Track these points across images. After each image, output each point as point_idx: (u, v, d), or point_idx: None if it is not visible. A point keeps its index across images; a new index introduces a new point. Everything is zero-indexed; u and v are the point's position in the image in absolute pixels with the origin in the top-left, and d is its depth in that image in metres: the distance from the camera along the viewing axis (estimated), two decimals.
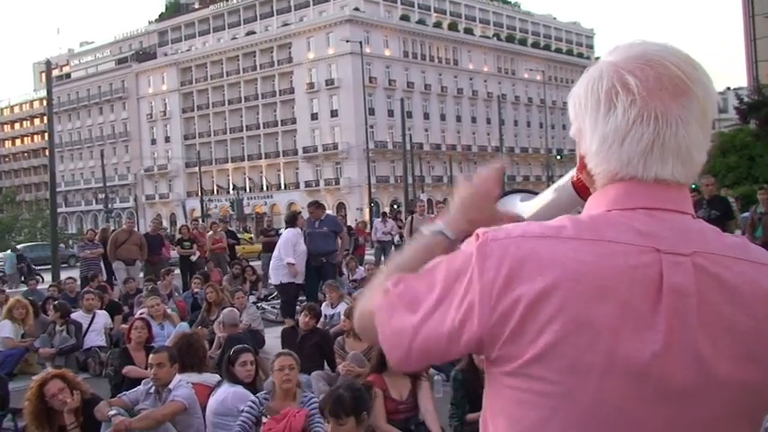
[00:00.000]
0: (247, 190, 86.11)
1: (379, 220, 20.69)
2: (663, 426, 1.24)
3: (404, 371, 1.45)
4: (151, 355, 6.26)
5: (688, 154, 1.30)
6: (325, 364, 8.35)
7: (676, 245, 1.26)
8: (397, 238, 18.91)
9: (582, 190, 1.55)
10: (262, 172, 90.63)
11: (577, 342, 1.21)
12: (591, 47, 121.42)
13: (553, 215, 1.58)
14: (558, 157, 77.68)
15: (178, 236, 19.92)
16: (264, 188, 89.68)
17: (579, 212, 1.60)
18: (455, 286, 1.29)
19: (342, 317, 9.26)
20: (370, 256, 21.96)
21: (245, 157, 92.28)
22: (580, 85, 1.38)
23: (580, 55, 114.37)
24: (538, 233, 1.29)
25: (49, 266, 22.09)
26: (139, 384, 6.46)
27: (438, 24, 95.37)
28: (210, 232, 19.96)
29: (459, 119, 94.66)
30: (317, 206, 13.21)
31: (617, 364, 1.21)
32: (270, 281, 14.03)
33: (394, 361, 1.38)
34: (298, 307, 11.46)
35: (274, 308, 14.20)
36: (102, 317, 11.15)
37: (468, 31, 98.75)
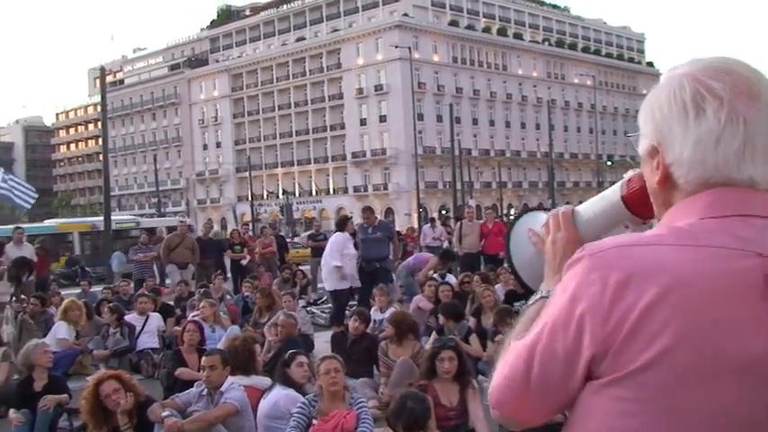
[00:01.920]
0: (297, 195, 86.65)
1: (428, 225, 20.62)
2: None
3: (529, 420, 1.41)
4: (204, 358, 6.32)
5: None
6: (375, 369, 8.36)
7: None
8: (446, 243, 18.83)
9: (634, 206, 1.54)
10: (311, 177, 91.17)
11: (691, 345, 1.22)
12: (642, 51, 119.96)
13: (596, 231, 1.58)
14: (609, 163, 76.73)
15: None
16: (314, 193, 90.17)
17: (627, 227, 1.58)
18: (562, 310, 1.31)
19: None
20: None
21: (295, 162, 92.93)
22: (657, 97, 1.39)
23: (631, 59, 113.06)
24: (638, 242, 1.30)
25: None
26: (192, 386, 6.52)
27: (487, 29, 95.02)
28: (260, 237, 20.13)
29: (508, 124, 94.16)
30: (370, 212, 13.23)
31: (730, 364, 1.22)
32: (321, 285, 14.07)
33: (510, 409, 1.40)
34: (347, 312, 11.47)
35: (324, 312, 14.26)
36: (155, 319, 11.28)
37: (518, 35, 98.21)
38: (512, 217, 19.04)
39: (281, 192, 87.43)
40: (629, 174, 1.59)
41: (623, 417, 1.25)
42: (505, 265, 12.72)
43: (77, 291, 16.47)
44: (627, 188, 1.55)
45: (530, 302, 1.56)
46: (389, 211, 78.96)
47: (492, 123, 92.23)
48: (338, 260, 12.04)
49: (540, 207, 1.84)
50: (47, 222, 38.21)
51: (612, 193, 1.59)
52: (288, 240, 28.02)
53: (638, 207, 1.54)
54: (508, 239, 1.74)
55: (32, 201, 23.39)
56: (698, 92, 1.32)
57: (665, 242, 1.29)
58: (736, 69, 1.34)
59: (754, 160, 1.31)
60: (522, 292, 9.31)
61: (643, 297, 1.23)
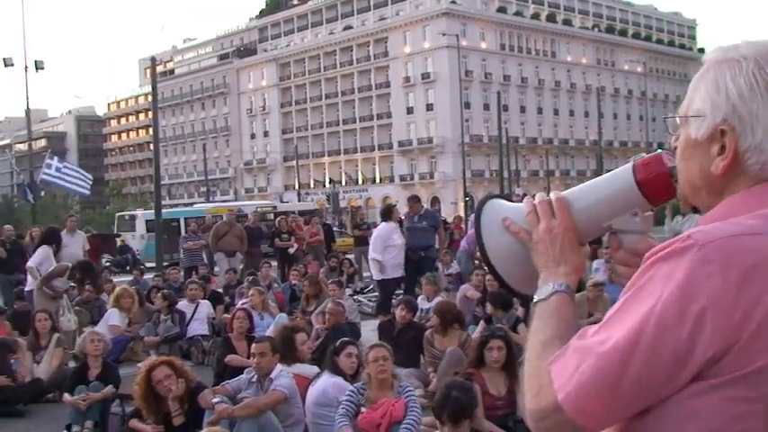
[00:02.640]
0: (343, 183, 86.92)
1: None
2: None
3: (597, 426, 1.30)
4: (254, 345, 6.39)
5: None
6: (421, 358, 8.37)
7: None
8: None
9: (653, 190, 1.45)
10: (357, 166, 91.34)
11: None
12: (693, 38, 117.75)
13: (600, 217, 1.49)
14: (659, 151, 75.44)
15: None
16: (360, 182, 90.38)
17: (635, 214, 1.49)
18: (671, 304, 1.18)
19: None
20: None
21: (342, 150, 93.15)
22: (732, 78, 1.30)
23: (682, 46, 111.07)
24: (747, 230, 1.21)
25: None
26: (241, 373, 6.60)
27: (536, 16, 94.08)
28: (308, 225, 20.24)
29: (556, 112, 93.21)
30: (416, 201, 13.20)
31: None
32: (368, 274, 14.09)
33: (587, 417, 1.25)
34: (393, 301, 11.47)
35: (370, 301, 14.30)
36: (205, 306, 11.43)
37: (567, 22, 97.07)
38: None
39: (327, 181, 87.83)
40: (637, 158, 1.50)
41: (740, 420, 1.16)
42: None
43: (129, 278, 16.74)
44: (644, 172, 1.45)
45: (540, 297, 1.46)
46: (435, 200, 78.79)
47: (540, 111, 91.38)
48: (379, 253, 11.95)
49: (494, 195, 1.71)
50: (196, 207, 46.05)
51: (622, 179, 1.48)
52: (335, 230, 28.10)
53: (658, 192, 1.45)
54: (479, 234, 1.57)
55: (89, 187, 23.91)
56: None
57: None
58: None
59: None
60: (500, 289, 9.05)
61: None
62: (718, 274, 1.16)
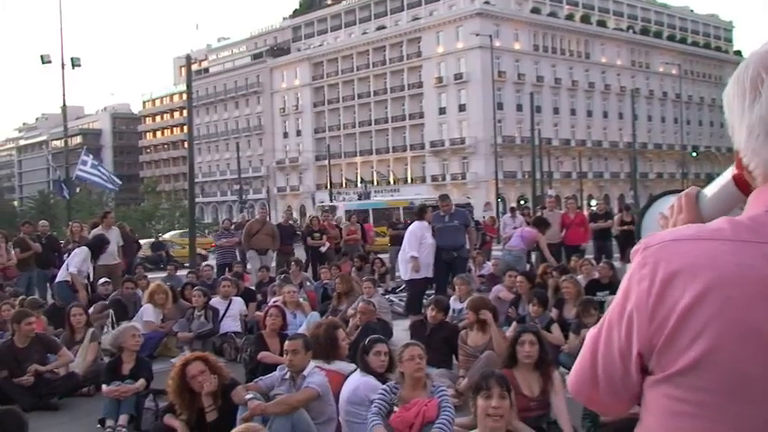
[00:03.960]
0: (375, 183, 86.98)
1: (509, 215, 20.45)
2: None
3: (607, 410, 1.38)
4: (287, 342, 6.39)
5: None
6: (453, 359, 8.34)
7: None
8: None
9: (743, 186, 1.46)
10: (389, 165, 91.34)
11: (738, 349, 1.16)
12: (729, 40, 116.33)
13: (714, 212, 1.50)
14: (694, 155, 74.72)
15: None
16: (392, 182, 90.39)
17: (742, 210, 1.52)
18: (618, 305, 1.30)
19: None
20: (497, 252, 21.79)
21: (374, 150, 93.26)
22: (730, 81, 1.34)
23: (718, 48, 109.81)
24: (693, 236, 1.25)
25: None
26: (274, 370, 6.61)
27: (570, 17, 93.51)
28: (346, 223, 20.24)
29: (589, 113, 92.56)
30: (446, 200, 13.13)
31: None
32: (398, 274, 14.03)
33: (586, 400, 1.41)
34: (424, 301, 11.43)
35: (402, 300, 14.27)
36: (238, 303, 11.47)
37: (602, 23, 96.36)
38: (592, 208, 18.69)
39: (359, 180, 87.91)
40: None
41: (675, 417, 1.21)
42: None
43: (163, 275, 16.88)
44: (737, 168, 1.46)
45: None
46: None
47: (573, 112, 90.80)
48: (416, 250, 11.95)
49: (669, 192, 1.76)
50: (375, 200, 52.72)
51: (728, 172, 1.51)
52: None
53: (748, 188, 1.45)
54: (639, 228, 1.71)
55: (116, 187, 24.81)
56: (758, 74, 1.25)
57: (720, 237, 1.22)
58: None
59: None
60: (606, 282, 9.10)
61: (686, 295, 1.18)
62: (647, 277, 1.23)
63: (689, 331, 1.18)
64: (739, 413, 1.16)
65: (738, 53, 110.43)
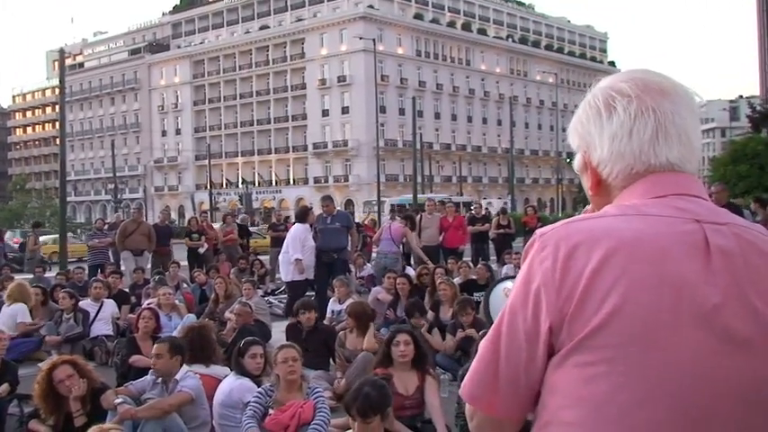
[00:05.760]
0: (256, 184, 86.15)
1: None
2: (732, 380, 1.27)
3: (504, 415, 1.40)
4: (154, 346, 6.27)
5: (687, 138, 1.41)
6: (331, 361, 8.31)
7: (712, 217, 1.35)
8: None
9: None
10: (271, 167, 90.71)
11: (643, 301, 1.26)
12: (604, 51, 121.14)
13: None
14: (569, 161, 77.24)
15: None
16: (273, 183, 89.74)
17: None
18: (519, 291, 1.36)
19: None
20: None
21: (255, 151, 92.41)
22: (577, 113, 1.50)
23: (593, 59, 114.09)
24: (584, 217, 1.39)
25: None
26: (146, 374, 6.45)
27: (452, 24, 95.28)
28: (222, 224, 19.92)
29: (470, 119, 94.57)
30: (329, 201, 13.12)
31: (683, 317, 1.26)
32: (278, 276, 13.91)
33: (484, 404, 1.42)
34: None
35: (281, 302, 14.18)
36: (110, 306, 11.13)
37: (482, 31, 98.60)
38: (471, 211, 19.09)
39: (240, 181, 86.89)
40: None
41: (588, 383, 1.27)
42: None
43: (30, 276, 16.21)
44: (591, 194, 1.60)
45: None
46: (349, 203, 78.83)
47: (454, 118, 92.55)
48: (300, 252, 11.95)
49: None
50: (403, 196, 52.36)
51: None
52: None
53: None
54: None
55: None
56: (609, 95, 1.43)
57: (610, 214, 1.36)
58: (648, 75, 1.44)
59: (667, 143, 1.39)
60: (483, 283, 9.26)
61: (590, 262, 1.28)
62: (549, 256, 1.32)
63: (598, 291, 1.27)
64: (649, 360, 1.25)
65: (612, 63, 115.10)
